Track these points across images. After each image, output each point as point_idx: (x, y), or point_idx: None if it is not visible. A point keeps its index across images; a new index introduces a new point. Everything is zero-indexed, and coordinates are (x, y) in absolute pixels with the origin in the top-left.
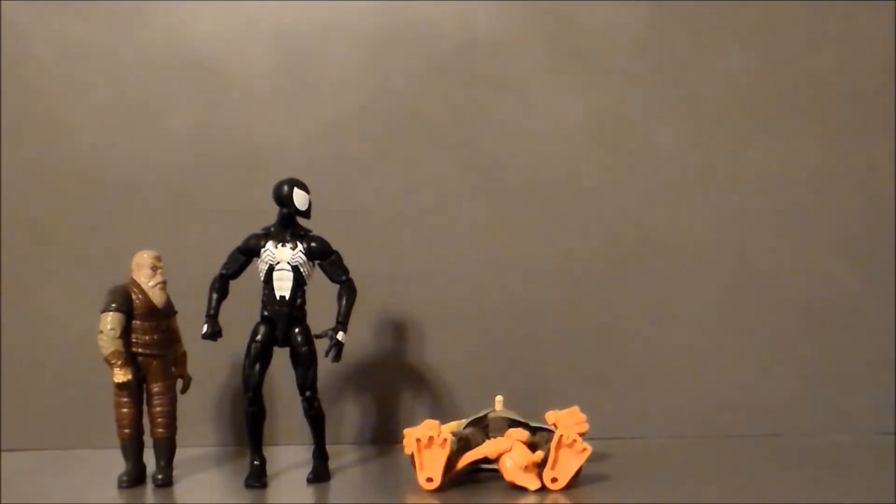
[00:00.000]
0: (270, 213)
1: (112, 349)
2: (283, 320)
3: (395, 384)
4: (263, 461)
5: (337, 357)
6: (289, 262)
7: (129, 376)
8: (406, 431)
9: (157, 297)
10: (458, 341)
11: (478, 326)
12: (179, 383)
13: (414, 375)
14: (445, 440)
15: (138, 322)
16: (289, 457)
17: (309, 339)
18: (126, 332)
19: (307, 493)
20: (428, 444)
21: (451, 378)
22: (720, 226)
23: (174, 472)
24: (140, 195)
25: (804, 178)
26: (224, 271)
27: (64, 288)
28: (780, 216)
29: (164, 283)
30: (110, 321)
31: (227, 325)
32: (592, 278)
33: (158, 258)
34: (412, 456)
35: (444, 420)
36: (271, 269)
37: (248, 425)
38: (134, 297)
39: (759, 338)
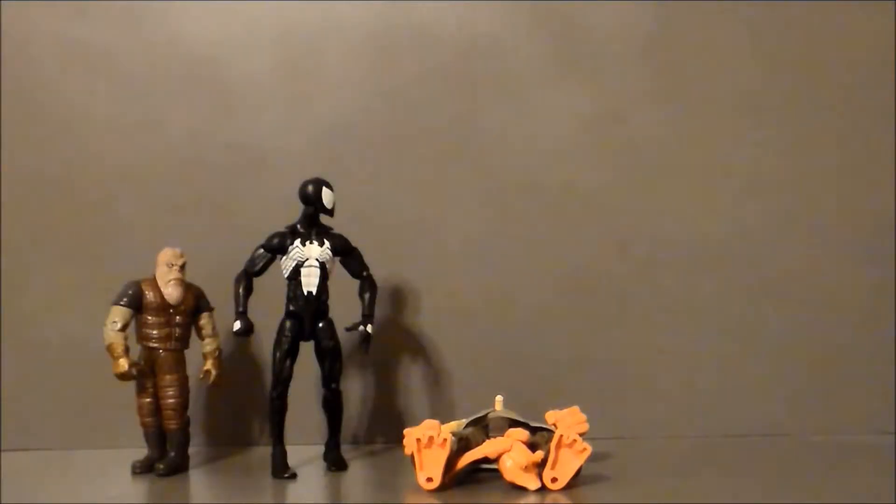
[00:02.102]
0: (271, 213)
1: (110, 341)
2: (310, 315)
3: (395, 384)
4: (286, 452)
5: (367, 349)
6: (317, 259)
7: (127, 367)
8: (406, 431)
9: (170, 294)
10: (459, 341)
11: (478, 326)
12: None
13: (414, 375)
14: (445, 440)
15: (149, 317)
16: (290, 456)
17: (334, 332)
18: (138, 326)
19: (308, 491)
20: (428, 444)
21: (451, 378)
22: (720, 226)
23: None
24: (140, 195)
25: (805, 180)
26: (249, 269)
27: (64, 288)
28: (781, 217)
29: (177, 279)
30: (112, 314)
31: (225, 325)
32: (592, 278)
33: (177, 255)
34: (412, 456)
35: (444, 420)
36: (298, 265)
37: (274, 418)
38: (146, 291)
39: (759, 338)
